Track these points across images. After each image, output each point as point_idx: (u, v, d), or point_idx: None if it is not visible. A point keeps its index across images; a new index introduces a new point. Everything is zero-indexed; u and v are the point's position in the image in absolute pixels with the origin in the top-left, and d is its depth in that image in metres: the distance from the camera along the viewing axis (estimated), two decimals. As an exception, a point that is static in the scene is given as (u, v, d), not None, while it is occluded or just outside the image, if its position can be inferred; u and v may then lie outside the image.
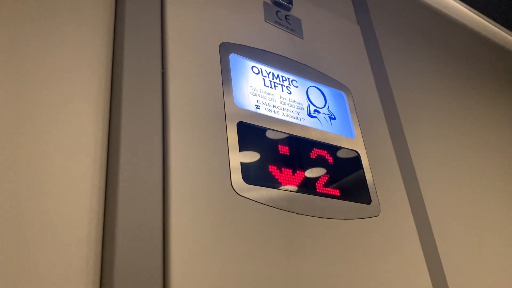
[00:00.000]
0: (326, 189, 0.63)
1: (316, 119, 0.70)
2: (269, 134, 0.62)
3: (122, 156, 0.47)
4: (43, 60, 0.50)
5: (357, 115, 0.76)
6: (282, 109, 0.66)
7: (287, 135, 0.63)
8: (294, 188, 0.59)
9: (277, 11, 0.78)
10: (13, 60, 0.48)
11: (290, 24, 0.78)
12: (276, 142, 0.62)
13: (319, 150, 0.66)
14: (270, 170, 0.58)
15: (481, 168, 1.03)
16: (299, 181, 0.60)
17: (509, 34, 1.53)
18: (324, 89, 0.75)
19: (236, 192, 0.53)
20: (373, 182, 0.70)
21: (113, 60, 0.56)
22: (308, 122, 0.68)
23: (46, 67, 0.50)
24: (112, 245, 0.43)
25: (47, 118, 0.47)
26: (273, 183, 0.57)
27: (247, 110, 0.61)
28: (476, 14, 1.41)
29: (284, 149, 0.62)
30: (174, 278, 0.44)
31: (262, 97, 0.65)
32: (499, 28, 1.49)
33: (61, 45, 0.52)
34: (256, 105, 0.63)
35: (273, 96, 0.66)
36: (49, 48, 0.51)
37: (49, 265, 0.41)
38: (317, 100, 0.73)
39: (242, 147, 0.57)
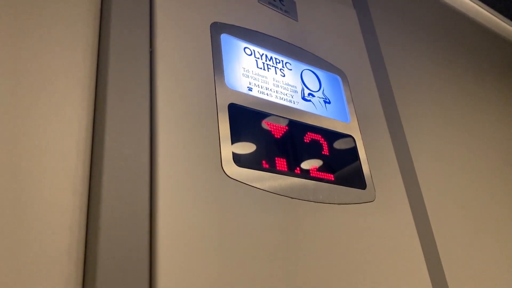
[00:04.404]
0: (320, 173, 0.61)
1: (310, 102, 0.68)
2: (261, 117, 0.60)
3: (107, 136, 0.46)
4: (27, 38, 0.48)
5: (352, 99, 0.75)
6: (276, 91, 0.64)
7: (280, 118, 0.62)
8: (287, 171, 0.58)
9: (271, -8, 0.75)
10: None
11: (284, 5, 0.76)
12: (268, 124, 0.60)
13: (313, 134, 0.64)
14: (262, 153, 0.57)
15: (478, 154, 1.02)
16: (292, 165, 0.59)
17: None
18: (319, 73, 0.73)
19: (227, 175, 0.51)
20: (368, 167, 0.68)
21: (100, 39, 0.53)
22: (302, 105, 0.67)
23: (30, 45, 0.48)
24: (96, 229, 0.41)
25: (30, 97, 0.45)
26: (265, 166, 0.56)
27: (239, 91, 0.59)
28: (479, 5, 1.39)
29: (276, 132, 0.60)
30: (161, 262, 0.42)
31: (255, 79, 0.63)
32: (503, 21, 1.45)
33: (45, 21, 0.50)
34: (248, 87, 0.61)
35: (266, 78, 0.64)
36: (34, 24, 0.49)
37: (28, 251, 0.39)
38: (312, 83, 0.71)
39: (233, 129, 0.55)
